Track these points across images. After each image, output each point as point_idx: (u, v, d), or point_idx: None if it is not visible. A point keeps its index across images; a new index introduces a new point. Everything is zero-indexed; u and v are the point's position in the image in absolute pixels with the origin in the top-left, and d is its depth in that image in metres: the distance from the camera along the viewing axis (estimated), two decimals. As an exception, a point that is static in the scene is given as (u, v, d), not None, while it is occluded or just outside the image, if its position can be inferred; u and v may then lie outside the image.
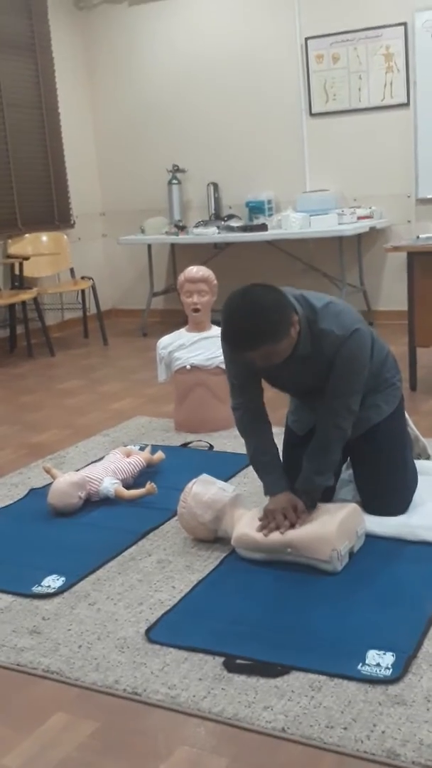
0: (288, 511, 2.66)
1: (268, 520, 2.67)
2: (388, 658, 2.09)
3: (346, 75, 6.36)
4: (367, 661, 2.09)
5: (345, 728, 1.86)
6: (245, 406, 2.83)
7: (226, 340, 2.55)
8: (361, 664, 2.08)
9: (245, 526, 2.68)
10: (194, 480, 2.88)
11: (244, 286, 2.53)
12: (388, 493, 2.87)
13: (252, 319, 2.42)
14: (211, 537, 2.83)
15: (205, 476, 2.90)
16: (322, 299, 2.66)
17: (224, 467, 3.45)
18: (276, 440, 2.85)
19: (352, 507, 2.69)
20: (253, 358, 2.53)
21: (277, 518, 2.65)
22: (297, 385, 2.89)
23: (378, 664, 2.07)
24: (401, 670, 2.04)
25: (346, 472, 3.10)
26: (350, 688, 2.00)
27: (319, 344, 2.61)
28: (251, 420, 2.83)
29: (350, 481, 3.06)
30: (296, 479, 2.76)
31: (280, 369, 2.66)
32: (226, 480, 3.20)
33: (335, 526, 2.55)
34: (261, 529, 2.66)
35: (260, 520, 2.70)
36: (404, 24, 6.05)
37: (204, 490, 2.81)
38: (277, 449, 2.86)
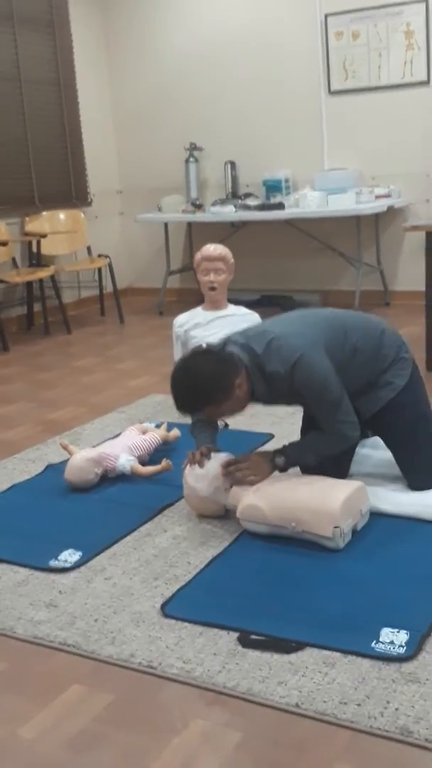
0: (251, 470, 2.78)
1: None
2: (402, 636, 2.10)
3: (365, 52, 6.30)
4: (381, 639, 2.10)
5: (358, 705, 1.88)
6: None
7: (174, 404, 2.74)
8: (374, 642, 2.09)
9: (252, 497, 2.70)
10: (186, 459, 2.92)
11: (186, 355, 2.75)
12: (426, 464, 2.91)
13: (189, 390, 2.66)
14: (220, 511, 2.85)
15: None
16: (264, 338, 2.73)
17: (239, 445, 3.45)
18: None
19: (357, 485, 2.69)
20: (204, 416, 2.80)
21: (243, 473, 2.78)
22: (280, 404, 3.03)
23: (392, 642, 2.08)
24: (415, 648, 2.05)
25: (366, 449, 3.12)
26: (364, 665, 2.02)
27: (273, 384, 2.72)
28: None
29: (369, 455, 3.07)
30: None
31: (254, 400, 2.82)
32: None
33: (340, 504, 2.57)
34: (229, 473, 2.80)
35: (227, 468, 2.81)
36: (425, 1, 5.97)
37: (198, 467, 2.85)
38: (214, 422, 3.08)
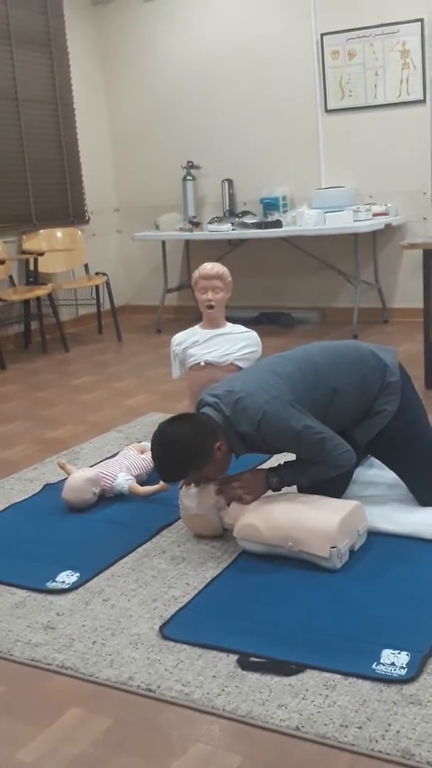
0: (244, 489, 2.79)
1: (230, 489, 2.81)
2: (402, 658, 2.08)
3: (362, 71, 6.33)
4: (381, 660, 2.08)
5: (359, 727, 1.86)
6: None
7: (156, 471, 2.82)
8: (375, 663, 2.07)
9: (249, 516, 2.68)
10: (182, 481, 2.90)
11: (163, 422, 2.75)
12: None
13: (170, 462, 2.70)
14: (217, 531, 2.84)
15: None
16: (231, 398, 2.74)
17: (238, 464, 3.44)
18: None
19: (355, 505, 2.68)
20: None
21: (236, 492, 2.79)
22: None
23: (393, 664, 2.06)
24: (416, 669, 2.03)
25: (362, 469, 3.11)
26: (365, 687, 2.00)
27: (248, 442, 2.75)
28: None
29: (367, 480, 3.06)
30: None
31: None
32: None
33: (337, 523, 2.55)
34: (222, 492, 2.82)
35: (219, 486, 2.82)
36: (421, 20, 6.01)
37: (193, 487, 2.84)
38: None
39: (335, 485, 2.86)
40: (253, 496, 2.77)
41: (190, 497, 2.83)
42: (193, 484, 2.83)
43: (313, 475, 2.78)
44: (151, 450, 2.78)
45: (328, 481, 2.81)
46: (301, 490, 2.86)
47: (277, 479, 2.80)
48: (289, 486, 2.84)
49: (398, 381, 2.89)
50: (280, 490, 2.82)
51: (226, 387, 2.79)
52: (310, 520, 2.59)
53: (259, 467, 2.99)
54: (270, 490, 2.82)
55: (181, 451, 2.66)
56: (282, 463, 2.87)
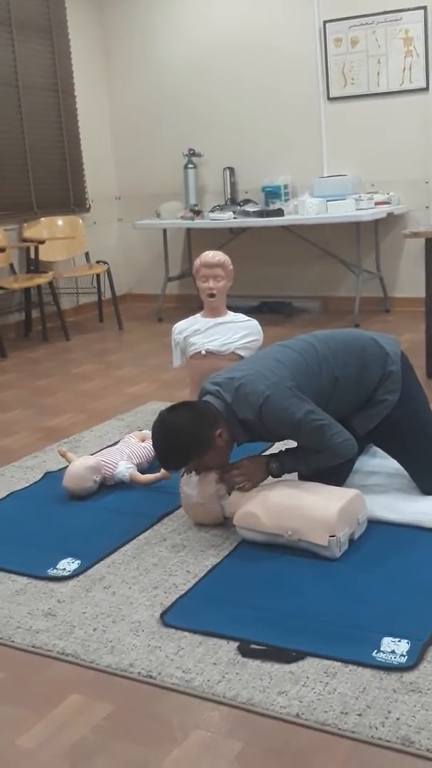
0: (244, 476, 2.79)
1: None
2: (403, 646, 2.08)
3: (364, 59, 6.30)
4: (382, 648, 2.08)
5: (359, 714, 1.86)
6: None
7: (157, 460, 2.84)
8: (375, 651, 2.07)
9: (250, 504, 2.69)
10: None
11: (164, 410, 2.75)
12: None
13: (170, 450, 2.71)
14: (219, 519, 2.84)
15: None
16: (232, 385, 2.73)
17: (239, 452, 3.44)
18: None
19: (354, 494, 2.68)
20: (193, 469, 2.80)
21: (236, 479, 2.79)
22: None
23: (393, 651, 2.07)
24: (416, 657, 2.04)
25: (365, 458, 3.11)
26: (365, 674, 2.00)
27: (250, 429, 2.74)
28: None
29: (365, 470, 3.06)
30: None
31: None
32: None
33: (336, 512, 2.55)
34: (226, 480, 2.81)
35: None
36: (424, 8, 5.98)
37: (194, 474, 2.84)
38: None
39: (336, 474, 2.86)
40: (253, 483, 2.77)
41: (191, 486, 2.83)
42: (194, 473, 2.83)
43: (314, 463, 2.78)
44: (152, 438, 2.78)
45: (329, 469, 2.81)
46: (302, 478, 2.86)
47: (277, 465, 2.80)
48: (290, 473, 2.84)
49: (399, 370, 2.88)
50: (280, 476, 2.82)
51: (228, 374, 2.79)
52: (310, 509, 2.59)
53: (259, 454, 2.98)
54: (270, 477, 2.82)
55: (181, 439, 2.66)
56: (283, 449, 2.87)
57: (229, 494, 2.78)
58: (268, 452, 3.08)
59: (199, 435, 2.67)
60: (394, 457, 2.99)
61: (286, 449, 2.87)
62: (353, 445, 2.76)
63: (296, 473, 2.87)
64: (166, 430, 2.69)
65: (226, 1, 6.72)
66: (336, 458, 2.77)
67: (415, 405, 2.92)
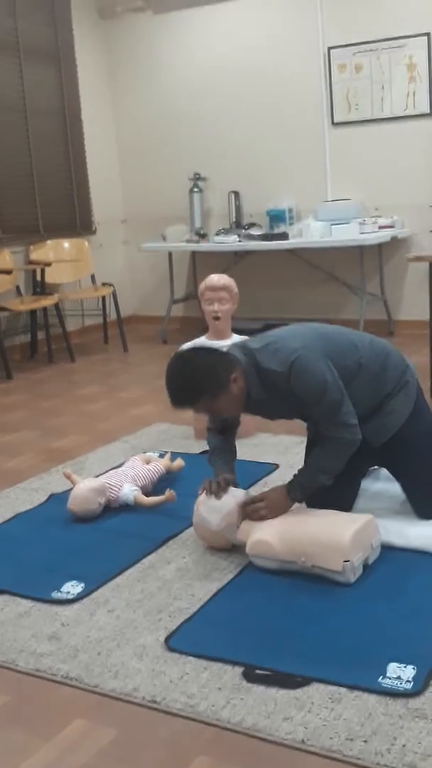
0: (269, 508, 2.75)
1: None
2: (409, 671, 2.07)
3: (368, 85, 6.36)
4: (387, 674, 2.07)
5: (365, 741, 1.85)
6: (218, 431, 3.02)
7: (168, 398, 2.69)
8: (381, 677, 2.06)
9: (262, 532, 2.67)
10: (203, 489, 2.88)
11: (180, 348, 2.75)
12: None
13: (183, 378, 2.63)
14: (228, 545, 2.82)
15: None
16: (263, 340, 2.75)
17: (244, 475, 3.44)
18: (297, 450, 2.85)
19: (368, 518, 2.67)
20: (201, 413, 2.71)
21: (262, 512, 2.74)
22: (285, 416, 2.99)
23: (399, 677, 2.06)
24: (422, 683, 2.03)
25: (369, 482, 3.10)
26: (370, 700, 1.99)
27: (270, 385, 2.70)
28: (219, 436, 3.03)
29: (375, 486, 3.05)
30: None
31: (255, 411, 2.82)
32: (246, 488, 3.19)
33: (349, 537, 2.54)
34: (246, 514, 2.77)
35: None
36: (427, 34, 6.04)
37: (213, 498, 2.82)
38: (235, 451, 3.04)
39: (344, 497, 2.86)
40: (277, 515, 2.73)
41: (209, 510, 2.79)
42: (214, 495, 2.80)
43: (327, 466, 2.73)
44: (166, 373, 2.67)
45: (337, 494, 2.80)
46: (312, 504, 2.85)
47: (299, 492, 2.76)
48: (312, 491, 2.79)
49: (416, 383, 2.90)
50: (303, 501, 2.80)
51: (258, 336, 2.81)
52: (323, 535, 2.58)
53: (274, 485, 2.95)
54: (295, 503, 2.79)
55: (196, 372, 2.61)
56: (295, 474, 2.83)
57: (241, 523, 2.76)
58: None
59: (216, 372, 2.62)
60: (397, 476, 2.97)
61: (299, 472, 2.83)
62: (358, 431, 2.73)
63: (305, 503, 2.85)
64: (182, 362, 2.65)
65: (231, 27, 6.79)
66: (345, 446, 2.72)
67: (426, 425, 2.92)
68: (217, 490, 2.82)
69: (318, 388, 2.65)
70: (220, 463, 2.95)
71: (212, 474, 2.92)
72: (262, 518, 2.72)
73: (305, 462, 2.90)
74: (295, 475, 2.82)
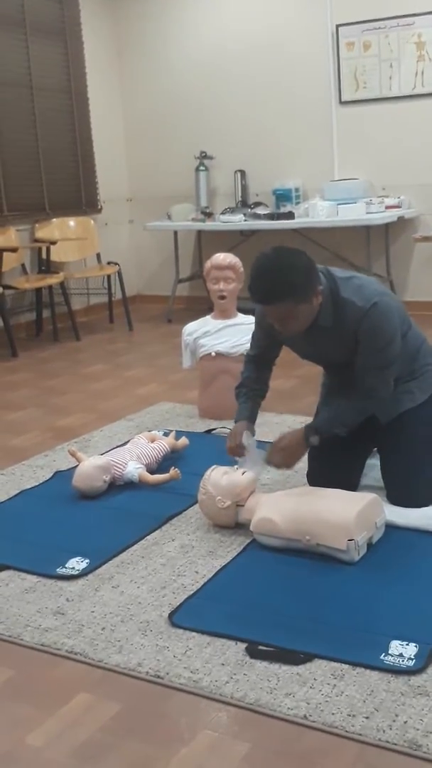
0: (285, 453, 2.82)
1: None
2: (411, 649, 2.08)
3: (377, 63, 6.31)
4: (389, 651, 2.08)
5: (367, 717, 1.87)
6: (255, 362, 3.03)
7: (250, 290, 2.63)
8: (383, 654, 2.07)
9: (266, 510, 2.68)
10: (213, 467, 2.89)
11: (278, 246, 2.67)
12: (415, 482, 2.86)
13: (277, 274, 2.56)
14: (232, 523, 2.84)
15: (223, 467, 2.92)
16: (347, 272, 2.76)
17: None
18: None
19: (372, 497, 2.68)
20: (272, 319, 2.66)
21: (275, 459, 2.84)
22: (324, 357, 2.98)
23: (401, 655, 2.07)
24: (424, 661, 2.04)
25: (374, 462, 3.11)
26: (373, 677, 2.00)
27: (341, 315, 2.68)
28: (255, 371, 3.05)
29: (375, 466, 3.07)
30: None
31: (305, 340, 2.78)
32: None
33: (353, 516, 2.55)
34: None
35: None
36: (437, 12, 5.99)
37: (222, 476, 2.83)
38: (266, 389, 3.06)
39: (349, 477, 2.88)
40: (295, 462, 2.85)
41: (216, 488, 2.80)
42: (224, 476, 2.81)
43: (349, 417, 2.77)
44: (255, 267, 2.60)
45: (342, 473, 2.83)
46: (316, 483, 2.86)
47: (317, 438, 2.78)
48: (327, 435, 2.80)
49: None
50: (317, 443, 2.81)
51: (340, 269, 2.81)
52: (327, 513, 2.59)
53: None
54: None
55: (293, 271, 2.56)
56: (316, 419, 2.86)
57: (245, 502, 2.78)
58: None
59: (310, 278, 2.59)
60: (382, 453, 2.97)
61: (320, 417, 2.87)
62: (391, 391, 2.78)
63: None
64: (281, 259, 2.60)
65: (238, 5, 6.74)
66: (372, 404, 2.78)
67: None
68: (237, 449, 2.89)
69: (385, 337, 2.67)
70: (243, 407, 3.01)
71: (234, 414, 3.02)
72: (278, 467, 2.84)
73: (322, 410, 2.93)
74: (316, 420, 2.86)
